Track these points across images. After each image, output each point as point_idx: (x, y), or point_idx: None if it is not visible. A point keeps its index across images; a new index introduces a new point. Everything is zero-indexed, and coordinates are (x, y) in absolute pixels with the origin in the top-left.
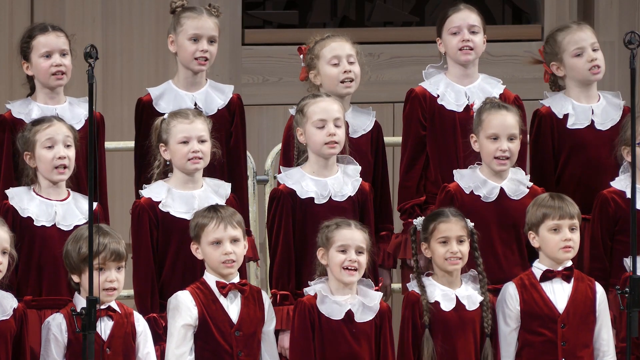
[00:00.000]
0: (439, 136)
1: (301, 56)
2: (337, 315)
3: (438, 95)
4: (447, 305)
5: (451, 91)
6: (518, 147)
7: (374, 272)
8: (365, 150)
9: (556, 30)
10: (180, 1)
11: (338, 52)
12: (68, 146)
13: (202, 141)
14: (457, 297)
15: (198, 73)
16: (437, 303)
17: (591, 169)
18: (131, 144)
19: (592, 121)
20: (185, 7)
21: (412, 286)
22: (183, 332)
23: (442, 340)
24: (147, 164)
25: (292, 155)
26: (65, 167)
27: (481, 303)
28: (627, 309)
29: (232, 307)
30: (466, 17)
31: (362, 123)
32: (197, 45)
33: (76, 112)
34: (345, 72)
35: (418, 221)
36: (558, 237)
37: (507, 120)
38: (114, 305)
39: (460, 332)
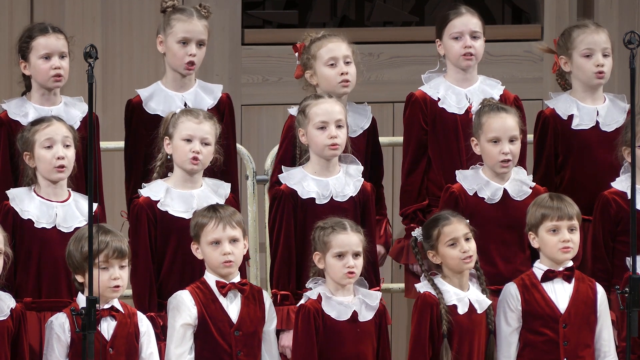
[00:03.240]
0: (441, 140)
1: (296, 54)
2: (344, 316)
3: (439, 99)
4: (462, 309)
5: (452, 94)
6: (519, 148)
7: (375, 272)
8: (362, 148)
9: (574, 26)
10: (172, 1)
11: (335, 54)
12: (67, 146)
13: (205, 144)
14: (469, 301)
15: (186, 76)
16: (454, 307)
17: (595, 170)
18: None
19: (597, 122)
20: (176, 8)
21: (424, 287)
22: (182, 331)
23: (457, 344)
24: (151, 154)
25: (293, 154)
26: (63, 166)
27: None
28: (626, 309)
29: (232, 306)
30: (468, 22)
31: (359, 122)
32: (185, 49)
33: (72, 114)
34: (342, 74)
35: (417, 232)
36: (556, 238)
37: (507, 123)
38: (117, 305)
39: (471, 335)
